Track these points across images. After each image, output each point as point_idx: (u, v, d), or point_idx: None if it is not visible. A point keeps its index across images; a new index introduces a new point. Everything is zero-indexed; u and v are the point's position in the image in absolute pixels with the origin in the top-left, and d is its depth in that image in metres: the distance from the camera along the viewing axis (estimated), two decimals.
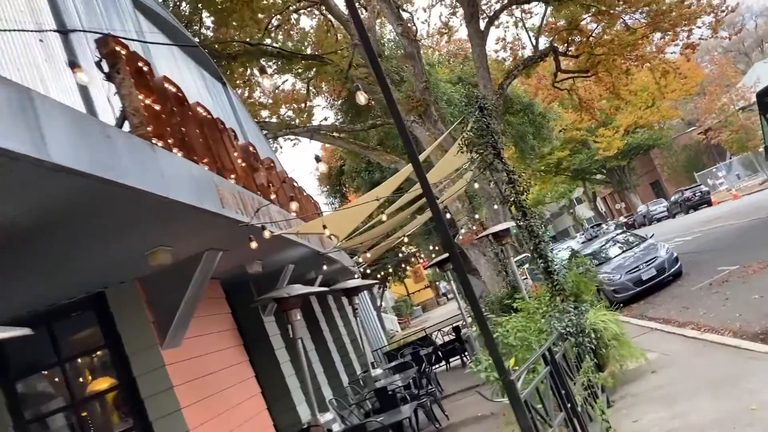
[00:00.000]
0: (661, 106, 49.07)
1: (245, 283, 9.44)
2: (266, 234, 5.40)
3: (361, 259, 11.68)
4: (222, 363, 7.44)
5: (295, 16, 24.58)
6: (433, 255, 25.10)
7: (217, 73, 13.07)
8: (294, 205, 5.64)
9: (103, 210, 3.97)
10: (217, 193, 5.22)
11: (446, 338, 15.83)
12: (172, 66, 10.19)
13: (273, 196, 7.52)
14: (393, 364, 13.27)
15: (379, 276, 28.06)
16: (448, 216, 11.05)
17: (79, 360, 6.20)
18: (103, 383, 6.23)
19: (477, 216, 15.34)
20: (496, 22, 23.76)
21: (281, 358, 9.59)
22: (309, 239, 8.66)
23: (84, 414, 6.06)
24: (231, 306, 9.52)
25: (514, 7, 23.78)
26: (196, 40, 20.70)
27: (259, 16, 22.39)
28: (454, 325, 16.41)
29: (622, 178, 56.20)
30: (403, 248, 34.08)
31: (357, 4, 26.17)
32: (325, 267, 10.75)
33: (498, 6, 23.08)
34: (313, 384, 10.88)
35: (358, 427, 8.41)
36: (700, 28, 22.61)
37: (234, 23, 21.52)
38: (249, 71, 24.49)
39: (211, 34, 22.10)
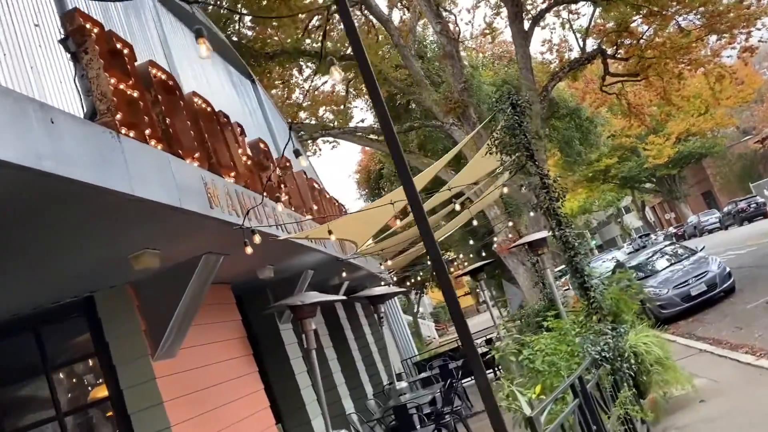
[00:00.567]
0: (715, 114, 46.96)
1: (261, 288, 8.93)
2: (256, 239, 4.86)
3: (382, 267, 11.08)
4: (226, 375, 6.92)
5: (336, 16, 24.23)
6: (465, 263, 24.31)
7: (246, 70, 12.67)
8: (280, 206, 5.07)
9: (54, 208, 3.47)
10: (205, 192, 4.69)
11: (479, 350, 15.10)
12: (193, 59, 9.80)
13: (284, 198, 6.98)
14: (420, 377, 12.65)
15: (410, 282, 27.39)
16: (474, 223, 10.39)
17: (65, 369, 5.77)
18: (89, 395, 5.78)
19: (511, 223, 14.56)
20: (541, 23, 22.93)
21: (297, 368, 9.05)
22: (325, 244, 8.10)
23: (68, 427, 5.60)
24: (244, 312, 9.04)
25: (560, 7, 22.88)
26: (234, 39, 20.53)
27: (300, 16, 22.11)
28: (488, 336, 15.63)
29: (672, 188, 54.18)
30: (445, 254, 33.43)
31: (399, 4, 25.74)
32: (344, 274, 10.18)
33: (543, 5, 22.22)
34: (332, 396, 10.33)
35: None
36: (759, 30, 21.32)
37: (274, 23, 21.28)
38: (287, 72, 24.23)
39: (250, 33, 21.86)
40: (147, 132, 4.16)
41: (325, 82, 26.53)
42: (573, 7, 23.74)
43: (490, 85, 28.67)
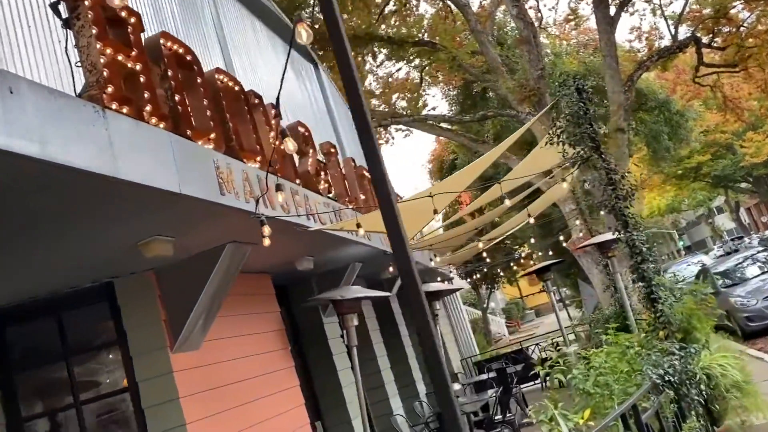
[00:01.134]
0: None
1: (305, 279, 8.55)
2: (266, 230, 4.42)
3: (433, 263, 10.48)
4: (256, 370, 6.57)
5: (414, 1, 23.66)
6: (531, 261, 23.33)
7: (309, 54, 12.32)
8: (280, 196, 4.60)
9: (28, 189, 3.15)
10: (216, 176, 4.29)
11: (544, 354, 14.29)
12: (250, 39, 9.51)
13: (322, 186, 6.54)
14: (474, 380, 12.02)
15: (477, 276, 26.60)
16: (531, 220, 9.63)
17: (83, 357, 5.54)
18: (107, 385, 5.55)
19: (578, 221, 13.63)
20: (630, 9, 21.53)
21: (339, 364, 8.65)
22: (370, 237, 7.62)
23: (83, 416, 5.38)
24: (288, 304, 8.72)
25: None
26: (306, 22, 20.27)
27: (377, 0, 21.71)
28: (554, 340, 14.76)
29: None
30: (519, 249, 32.27)
31: None
32: (391, 269, 9.68)
33: None
34: (379, 395, 9.89)
35: None
36: None
37: (349, 7, 20.91)
38: (360, 58, 23.82)
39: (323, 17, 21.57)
40: (147, 109, 3.78)
41: (399, 68, 26.02)
42: None
43: (573, 74, 27.30)
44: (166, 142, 3.80)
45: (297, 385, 7.39)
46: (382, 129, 25.81)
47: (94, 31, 3.49)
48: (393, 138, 36.28)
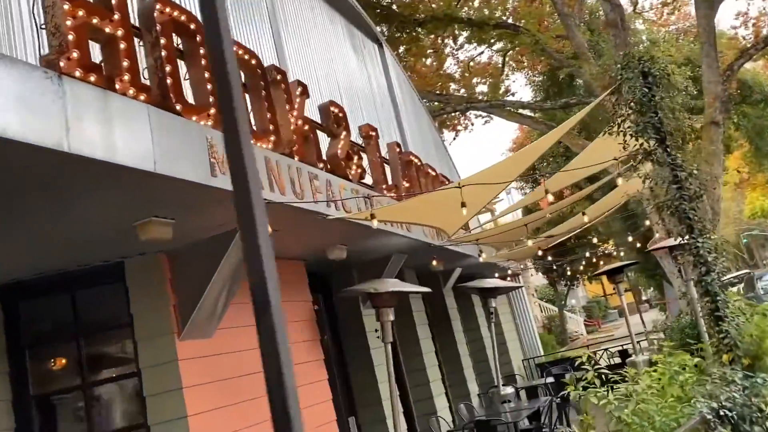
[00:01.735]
0: None
1: (347, 268, 8.16)
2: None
3: (482, 259, 9.83)
4: None
5: None
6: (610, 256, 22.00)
7: (373, 34, 11.85)
8: (272, 192, 4.16)
9: None
10: (208, 155, 3.93)
11: (612, 361, 13.35)
12: (306, 13, 9.16)
13: (354, 171, 6.10)
14: (527, 384, 11.32)
15: (555, 272, 25.45)
16: (585, 219, 8.80)
17: (91, 338, 5.36)
18: (113, 369, 5.37)
19: (648, 222, 12.57)
20: None
21: (377, 359, 8.24)
22: (410, 228, 7.13)
23: (88, 399, 5.23)
24: (328, 293, 8.38)
25: None
26: (385, 2, 19.82)
27: None
28: (622, 347, 13.75)
29: None
30: (603, 245, 30.69)
31: None
32: (435, 262, 9.11)
33: None
34: (421, 393, 9.42)
35: None
36: None
37: None
38: (440, 41, 23.12)
39: None
40: (124, 78, 3.44)
41: (482, 52, 25.11)
42: None
43: (671, 63, 25.51)
44: (142, 115, 3.46)
45: (325, 379, 7.04)
46: (460, 115, 25.07)
47: None
48: (473, 124, 35.34)
